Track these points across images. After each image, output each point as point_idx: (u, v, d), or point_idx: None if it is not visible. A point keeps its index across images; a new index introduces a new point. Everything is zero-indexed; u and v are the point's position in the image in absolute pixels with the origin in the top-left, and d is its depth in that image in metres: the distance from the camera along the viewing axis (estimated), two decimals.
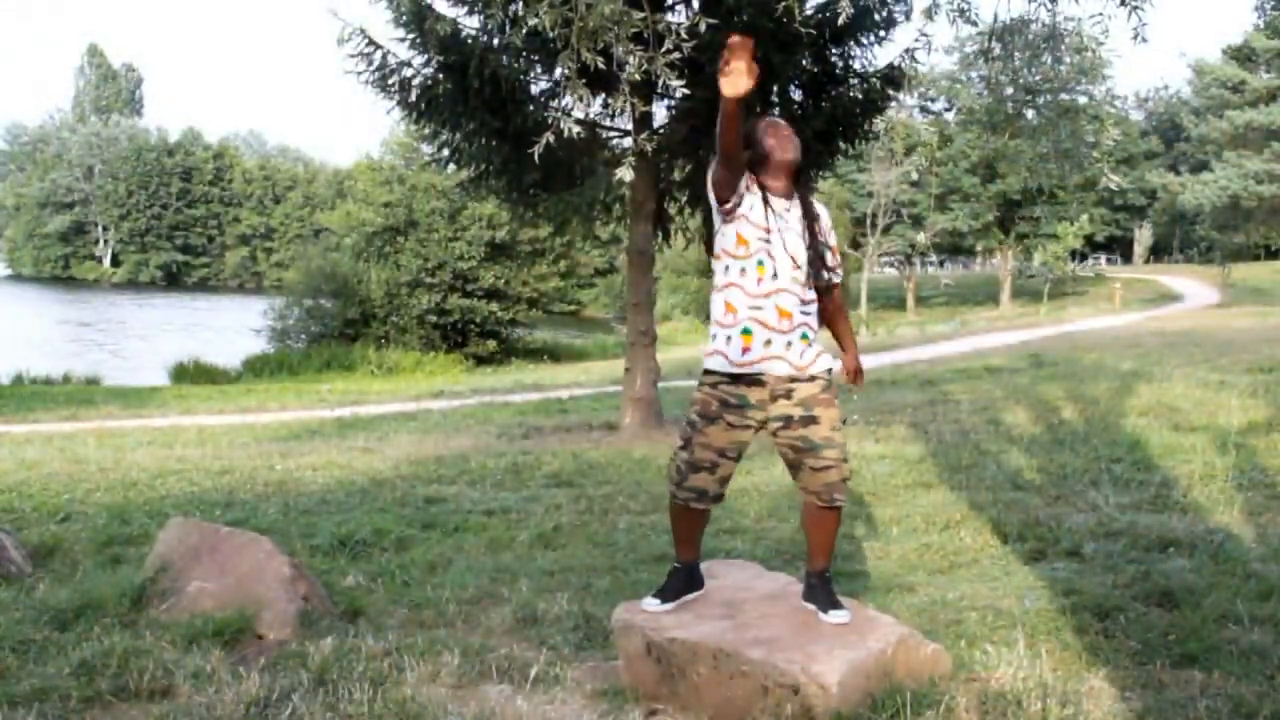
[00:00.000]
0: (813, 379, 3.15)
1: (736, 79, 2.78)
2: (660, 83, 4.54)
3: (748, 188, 3.16)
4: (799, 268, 3.14)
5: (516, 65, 9.20)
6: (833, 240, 3.28)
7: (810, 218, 3.21)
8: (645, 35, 4.06)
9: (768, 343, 3.12)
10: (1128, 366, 12.03)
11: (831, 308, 3.32)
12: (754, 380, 3.14)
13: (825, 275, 3.23)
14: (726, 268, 3.18)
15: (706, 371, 3.23)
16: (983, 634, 3.52)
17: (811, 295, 3.20)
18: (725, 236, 3.19)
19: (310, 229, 68.43)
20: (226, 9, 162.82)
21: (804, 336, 3.16)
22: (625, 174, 4.48)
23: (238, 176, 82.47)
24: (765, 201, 3.16)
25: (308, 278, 34.82)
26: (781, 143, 3.18)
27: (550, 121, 4.26)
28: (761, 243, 3.13)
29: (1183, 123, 47.52)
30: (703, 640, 3.01)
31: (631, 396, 10.07)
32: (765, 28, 7.96)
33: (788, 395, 3.14)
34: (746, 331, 3.13)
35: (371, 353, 31.30)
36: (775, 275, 3.12)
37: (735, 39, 2.79)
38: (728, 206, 3.15)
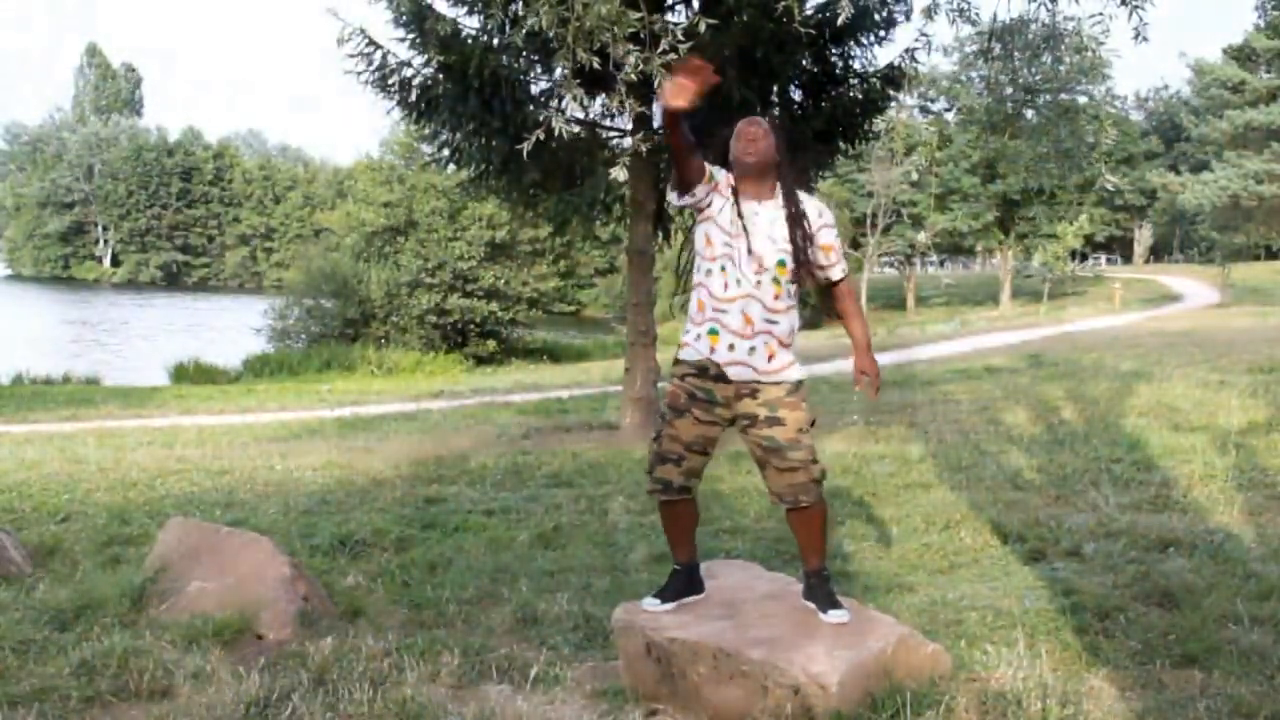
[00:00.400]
0: (778, 382, 3.14)
1: (678, 92, 2.85)
2: (657, 83, 4.54)
3: (719, 190, 3.15)
4: (763, 270, 3.11)
5: (516, 65, 9.19)
6: (828, 238, 3.20)
7: (795, 217, 3.15)
8: (642, 36, 4.07)
9: (731, 347, 3.12)
10: (1128, 366, 12.03)
11: (837, 304, 3.31)
12: (720, 376, 3.15)
13: (819, 274, 3.22)
14: (699, 267, 3.21)
15: (676, 362, 3.25)
16: (983, 634, 3.52)
17: (783, 304, 3.15)
18: (698, 236, 3.23)
19: (310, 229, 68.38)
20: (226, 9, 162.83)
21: (767, 344, 3.13)
22: (619, 174, 4.50)
23: (238, 176, 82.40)
24: (736, 204, 3.14)
25: (308, 278, 34.88)
26: (743, 145, 3.15)
27: (543, 120, 4.27)
28: (725, 247, 3.13)
29: (1183, 123, 47.52)
30: (703, 640, 3.01)
31: (631, 396, 10.07)
32: (765, 28, 7.95)
33: (753, 395, 3.14)
34: (713, 332, 3.15)
35: (371, 353, 31.32)
36: (739, 282, 3.11)
37: (696, 63, 2.87)
38: (686, 201, 3.17)
